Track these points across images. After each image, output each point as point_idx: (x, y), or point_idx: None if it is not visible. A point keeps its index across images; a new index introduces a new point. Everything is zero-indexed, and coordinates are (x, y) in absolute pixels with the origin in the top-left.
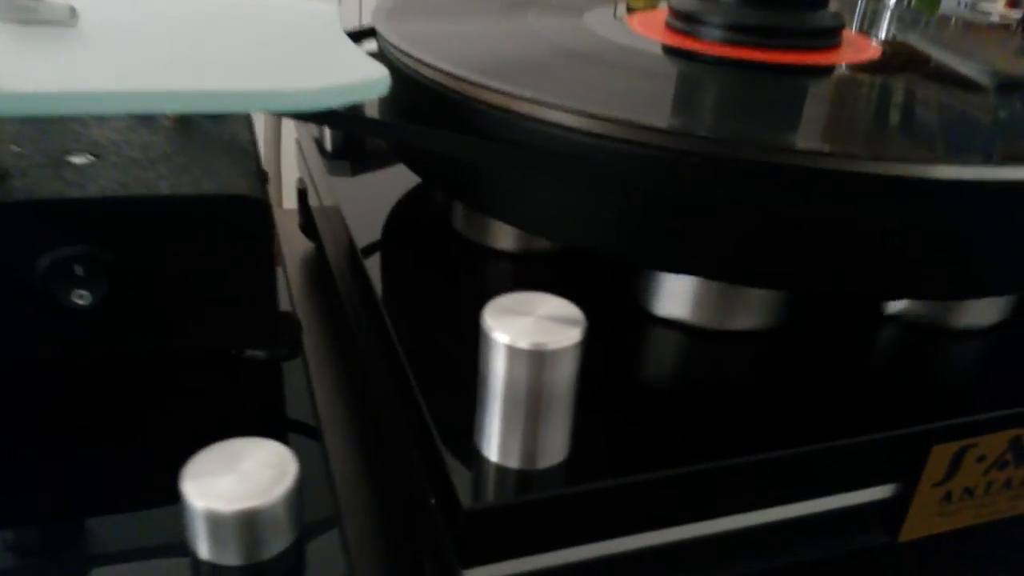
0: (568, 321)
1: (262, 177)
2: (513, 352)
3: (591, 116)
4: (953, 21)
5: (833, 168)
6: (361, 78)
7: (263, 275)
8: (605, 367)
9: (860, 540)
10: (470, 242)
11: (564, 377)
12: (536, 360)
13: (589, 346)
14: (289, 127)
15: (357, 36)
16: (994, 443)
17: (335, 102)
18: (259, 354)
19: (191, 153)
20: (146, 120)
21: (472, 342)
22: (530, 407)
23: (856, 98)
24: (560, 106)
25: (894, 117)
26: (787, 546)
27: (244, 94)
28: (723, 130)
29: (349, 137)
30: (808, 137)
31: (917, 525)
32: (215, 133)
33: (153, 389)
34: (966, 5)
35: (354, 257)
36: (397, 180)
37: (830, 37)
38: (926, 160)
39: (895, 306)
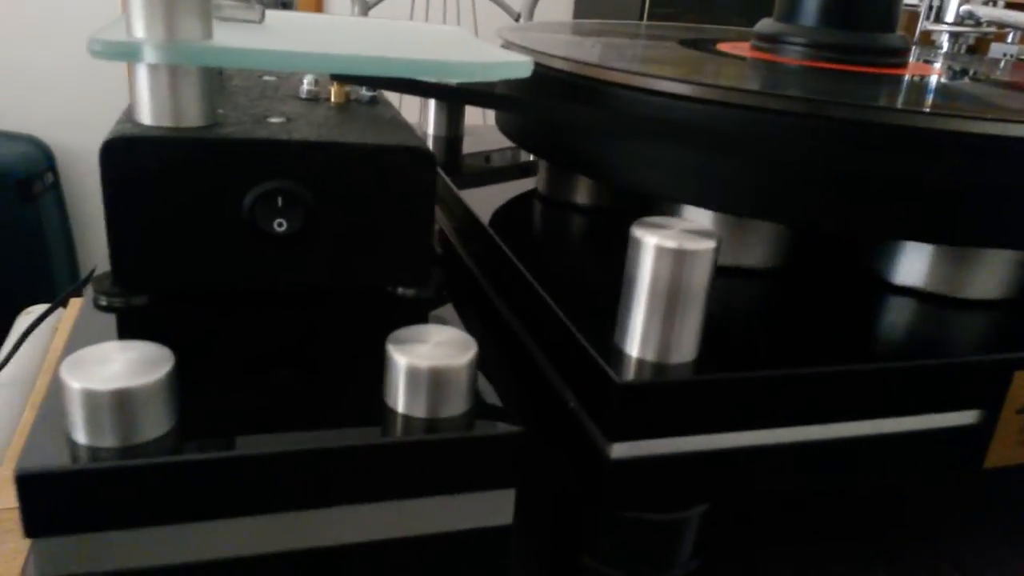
0: (704, 235)
1: None
2: (660, 252)
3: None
4: (1002, 63)
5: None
6: (514, 58)
7: (426, 220)
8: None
9: (949, 463)
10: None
11: (700, 279)
12: (679, 259)
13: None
14: None
15: None
16: None
17: (497, 74)
18: (410, 292)
19: (362, 123)
20: (314, 102)
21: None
22: (670, 303)
23: (934, 90)
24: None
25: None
26: (883, 461)
27: (435, 63)
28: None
29: (448, 158)
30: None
31: (1001, 452)
32: (372, 113)
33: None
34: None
35: (480, 231)
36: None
37: (898, 56)
38: None
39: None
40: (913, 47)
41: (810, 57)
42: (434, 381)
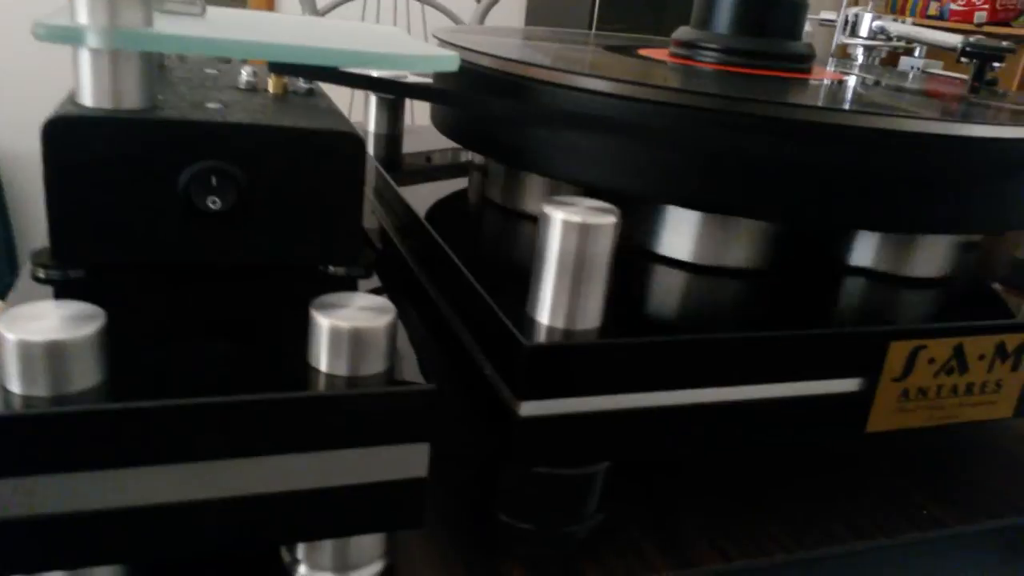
0: (606, 211)
1: None
2: (567, 226)
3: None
4: (910, 75)
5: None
6: (441, 53)
7: (354, 202)
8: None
9: (835, 427)
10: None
11: (602, 251)
12: (583, 232)
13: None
14: None
15: None
16: (941, 348)
17: (425, 66)
18: (340, 271)
19: (296, 110)
20: (253, 92)
21: (512, 258)
22: (575, 273)
23: (834, 91)
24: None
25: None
26: (775, 425)
27: (363, 54)
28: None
29: (389, 155)
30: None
31: (881, 418)
32: (307, 103)
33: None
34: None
35: (415, 222)
36: (433, 183)
37: (804, 62)
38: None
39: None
40: (831, 58)
41: (722, 62)
42: (354, 341)
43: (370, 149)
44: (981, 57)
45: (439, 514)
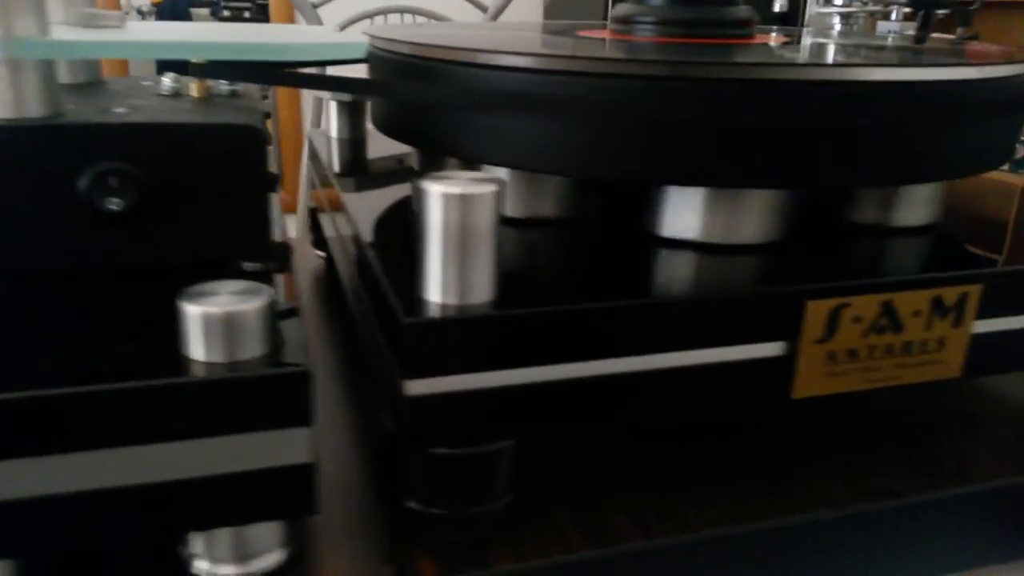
0: (487, 181)
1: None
2: (446, 199)
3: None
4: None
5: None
6: (347, 41)
7: (258, 195)
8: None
9: (758, 395)
10: None
11: (484, 222)
12: (462, 204)
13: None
14: None
15: None
16: (866, 305)
17: (332, 54)
18: (255, 267)
19: (205, 109)
20: (175, 97)
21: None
22: (459, 247)
23: (777, 53)
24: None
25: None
26: (692, 396)
27: (260, 45)
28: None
29: (354, 158)
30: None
31: (808, 383)
32: (227, 103)
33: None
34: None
35: (347, 217)
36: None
37: (744, 28)
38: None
39: None
40: (805, 29)
41: (660, 34)
42: (227, 326)
43: (334, 154)
44: (925, 6)
45: (346, 503)
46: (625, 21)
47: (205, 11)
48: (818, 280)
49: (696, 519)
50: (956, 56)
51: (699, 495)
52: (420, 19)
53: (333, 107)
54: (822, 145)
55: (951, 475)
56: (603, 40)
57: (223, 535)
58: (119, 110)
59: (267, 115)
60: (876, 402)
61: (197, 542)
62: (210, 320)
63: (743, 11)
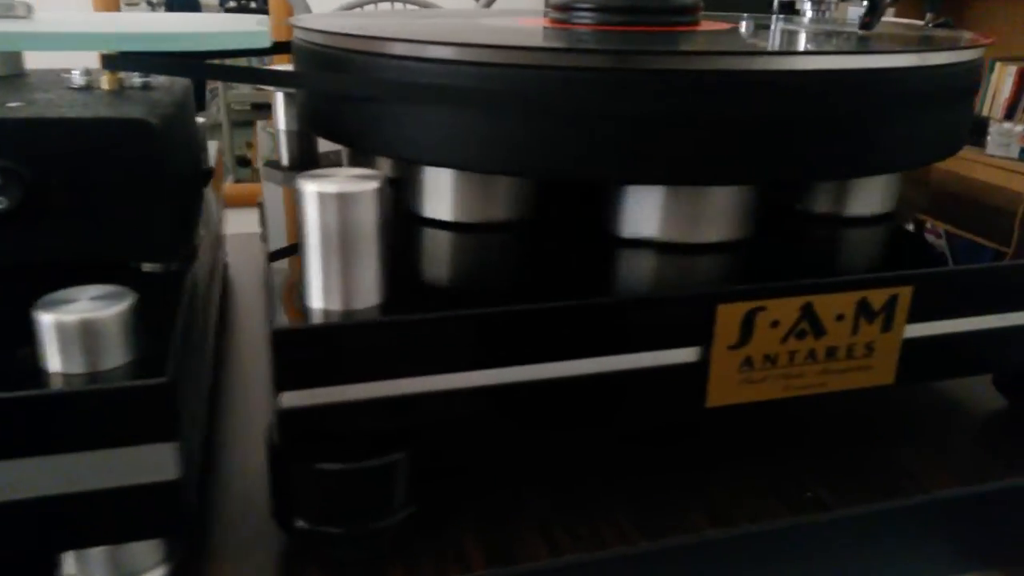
0: (369, 177)
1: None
2: (322, 198)
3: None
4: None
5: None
6: (250, 29)
7: (156, 192)
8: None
9: (670, 403)
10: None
11: (366, 221)
12: (341, 203)
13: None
14: None
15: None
16: (784, 308)
17: (233, 43)
18: (156, 268)
19: (104, 102)
20: (86, 90)
21: None
22: (340, 249)
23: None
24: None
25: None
26: (595, 403)
27: (156, 36)
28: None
29: (302, 153)
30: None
31: (722, 391)
32: (137, 95)
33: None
34: None
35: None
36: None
37: (688, 15)
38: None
39: None
40: (773, 16)
41: (599, 22)
42: (83, 334)
43: (282, 148)
44: None
45: (249, 518)
46: (564, 8)
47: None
48: (732, 282)
49: (610, 535)
50: (896, 43)
51: (613, 508)
52: (411, 7)
53: (279, 98)
54: (741, 138)
55: (888, 487)
56: (536, 28)
57: (96, 554)
58: (13, 104)
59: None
60: (811, 409)
61: (69, 561)
62: (65, 329)
63: None
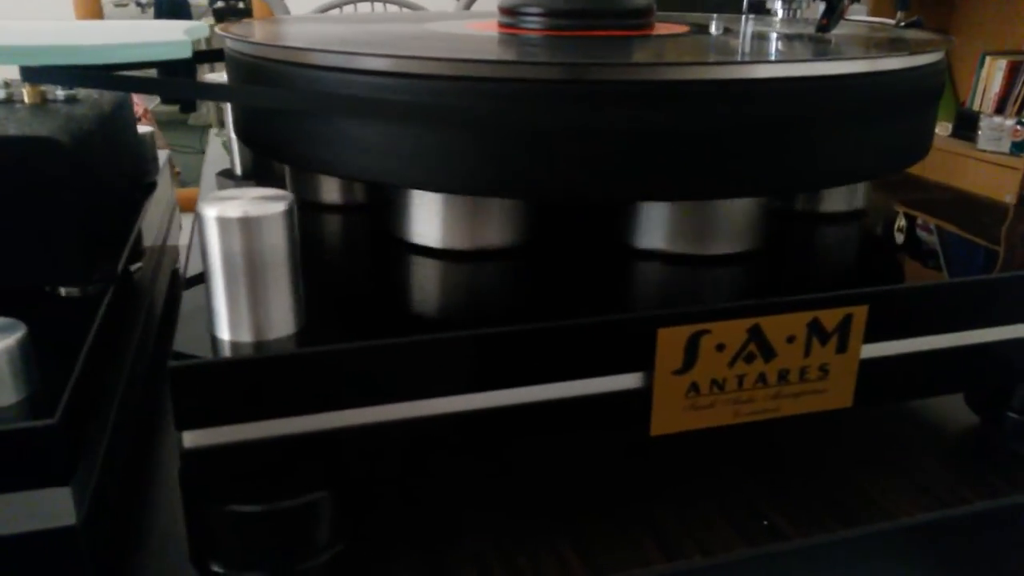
0: (276, 198)
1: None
2: (224, 223)
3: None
4: None
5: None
6: (173, 39)
7: (67, 214)
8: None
9: (612, 431)
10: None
11: (275, 246)
12: (245, 227)
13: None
14: None
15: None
16: (730, 331)
17: (153, 54)
18: (73, 292)
19: (17, 118)
20: (8, 104)
21: None
22: (248, 277)
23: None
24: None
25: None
26: (542, 432)
27: (70, 48)
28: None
29: (255, 162)
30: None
31: (667, 418)
32: (60, 111)
33: None
34: None
35: None
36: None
37: (641, 18)
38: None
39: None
40: (744, 16)
41: (549, 27)
42: None
43: (235, 156)
44: None
45: (181, 562)
46: (512, 13)
47: (204, 0)
48: (673, 304)
49: (550, 567)
50: (853, 47)
51: (555, 539)
52: (392, 8)
53: (229, 108)
54: (683, 151)
55: (850, 514)
56: (481, 35)
57: None
58: None
59: None
60: (766, 432)
61: None
62: None
63: (639, 1)
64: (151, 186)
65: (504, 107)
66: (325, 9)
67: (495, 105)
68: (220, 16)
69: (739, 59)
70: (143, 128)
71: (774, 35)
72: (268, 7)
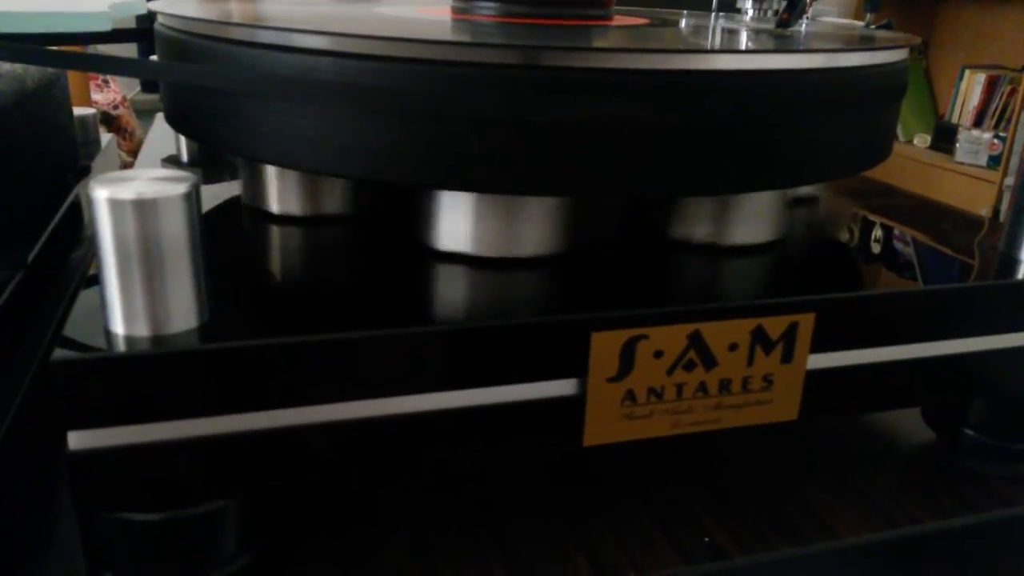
0: (176, 180)
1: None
2: (116, 206)
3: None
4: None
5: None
6: (91, 11)
7: None
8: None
9: (543, 441)
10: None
11: (174, 231)
12: (140, 211)
13: None
14: None
15: None
16: (669, 336)
17: (72, 24)
18: None
19: None
20: None
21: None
22: (144, 264)
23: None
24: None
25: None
26: (468, 440)
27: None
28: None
29: (202, 149)
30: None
31: (602, 428)
32: None
33: None
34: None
35: None
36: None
37: (598, 8)
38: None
39: None
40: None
41: (504, 13)
42: None
43: (182, 141)
44: None
45: None
46: None
47: None
48: (606, 307)
49: None
50: (815, 42)
51: (483, 553)
52: None
53: None
54: (627, 146)
55: (796, 533)
56: (426, 18)
57: None
58: None
59: None
60: (709, 443)
61: None
62: None
63: None
64: (83, 170)
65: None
66: None
67: (400, 86)
68: None
69: (664, 48)
70: (83, 110)
71: (724, 28)
72: None
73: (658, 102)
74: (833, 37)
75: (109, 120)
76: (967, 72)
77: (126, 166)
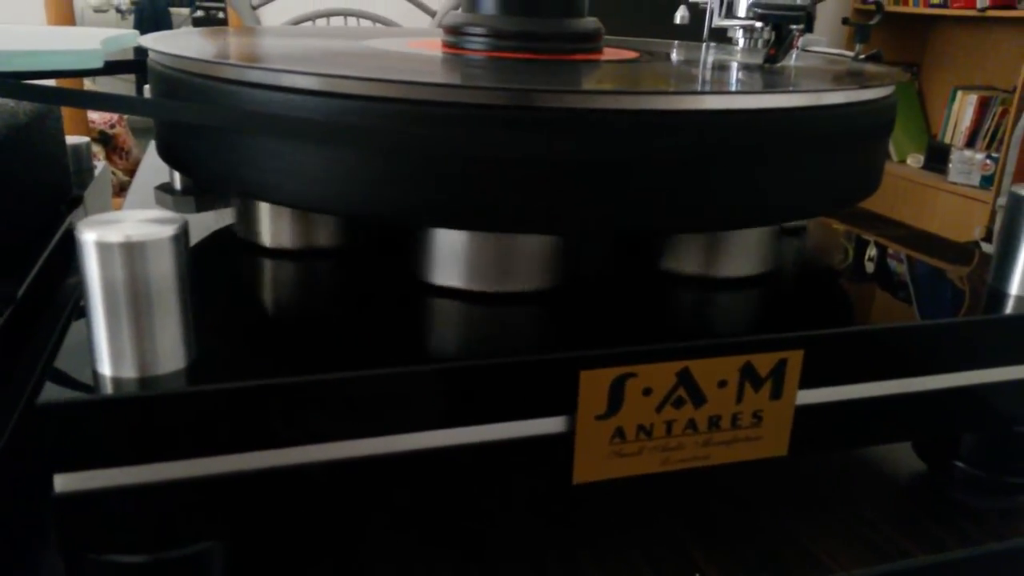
0: (164, 221)
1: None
2: (103, 248)
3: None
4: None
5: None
6: (84, 49)
7: None
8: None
9: (532, 480)
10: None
11: (161, 273)
12: (128, 253)
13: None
14: None
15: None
16: (658, 374)
17: (63, 63)
18: None
19: None
20: None
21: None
22: (132, 308)
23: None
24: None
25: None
26: (455, 480)
27: None
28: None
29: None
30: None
31: (591, 465)
32: None
33: None
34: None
35: None
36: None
37: (590, 42)
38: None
39: None
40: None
41: (493, 47)
42: None
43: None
44: (774, 20)
45: None
46: (455, 32)
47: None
48: (596, 344)
49: None
50: (804, 80)
51: None
52: (365, 23)
53: None
54: (610, 184)
55: (786, 567)
56: (415, 54)
57: None
58: None
59: None
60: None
61: None
62: None
63: (587, 23)
64: (77, 200)
65: (393, 128)
66: (297, 22)
67: (384, 126)
68: (199, 26)
69: (650, 89)
70: (76, 139)
71: (713, 63)
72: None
73: (644, 142)
74: (820, 73)
75: (106, 139)
76: (959, 93)
77: (122, 186)
